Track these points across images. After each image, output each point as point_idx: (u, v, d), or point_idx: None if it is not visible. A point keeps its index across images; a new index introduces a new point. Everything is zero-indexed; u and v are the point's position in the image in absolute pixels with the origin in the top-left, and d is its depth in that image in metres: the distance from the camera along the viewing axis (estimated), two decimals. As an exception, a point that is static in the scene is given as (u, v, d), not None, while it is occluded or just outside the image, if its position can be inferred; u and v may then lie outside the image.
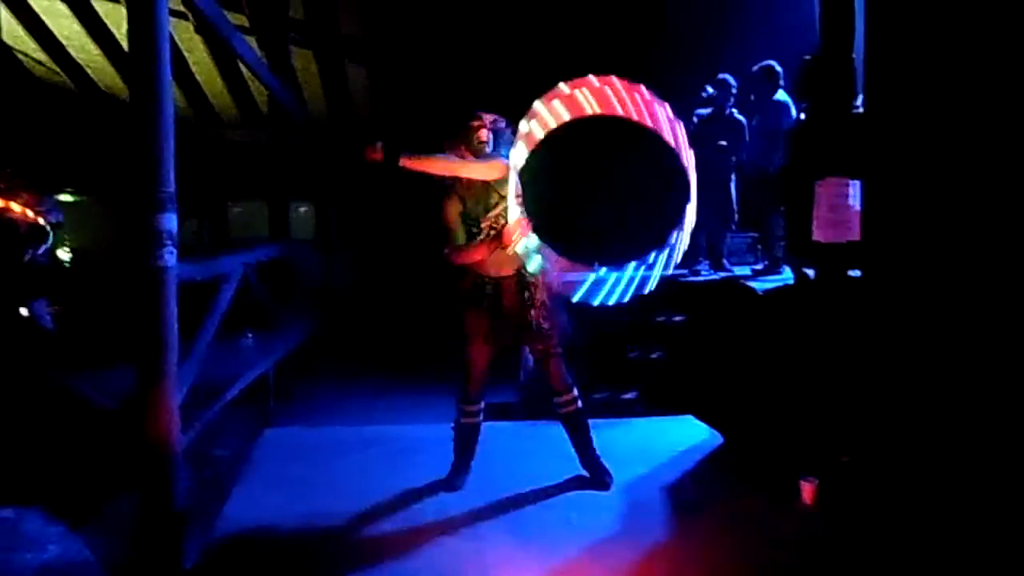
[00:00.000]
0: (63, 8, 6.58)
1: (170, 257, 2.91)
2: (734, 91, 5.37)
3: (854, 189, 3.01)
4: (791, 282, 4.37)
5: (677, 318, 5.09)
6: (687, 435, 3.95)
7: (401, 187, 8.67)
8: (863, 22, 3.46)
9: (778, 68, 5.00)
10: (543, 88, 2.79)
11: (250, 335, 5.08)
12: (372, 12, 7.02)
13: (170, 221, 2.91)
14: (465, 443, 3.33)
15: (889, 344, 3.06)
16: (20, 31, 6.94)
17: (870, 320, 3.12)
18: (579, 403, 3.27)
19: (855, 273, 3.16)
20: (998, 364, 2.64)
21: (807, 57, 4.26)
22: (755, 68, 5.08)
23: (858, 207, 3.02)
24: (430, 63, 7.64)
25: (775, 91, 4.97)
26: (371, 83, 8.24)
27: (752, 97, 5.23)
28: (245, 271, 4.55)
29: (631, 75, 2.78)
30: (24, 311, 4.82)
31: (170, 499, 2.81)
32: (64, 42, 7.32)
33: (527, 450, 3.73)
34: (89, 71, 7.90)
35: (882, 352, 3.04)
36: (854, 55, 3.37)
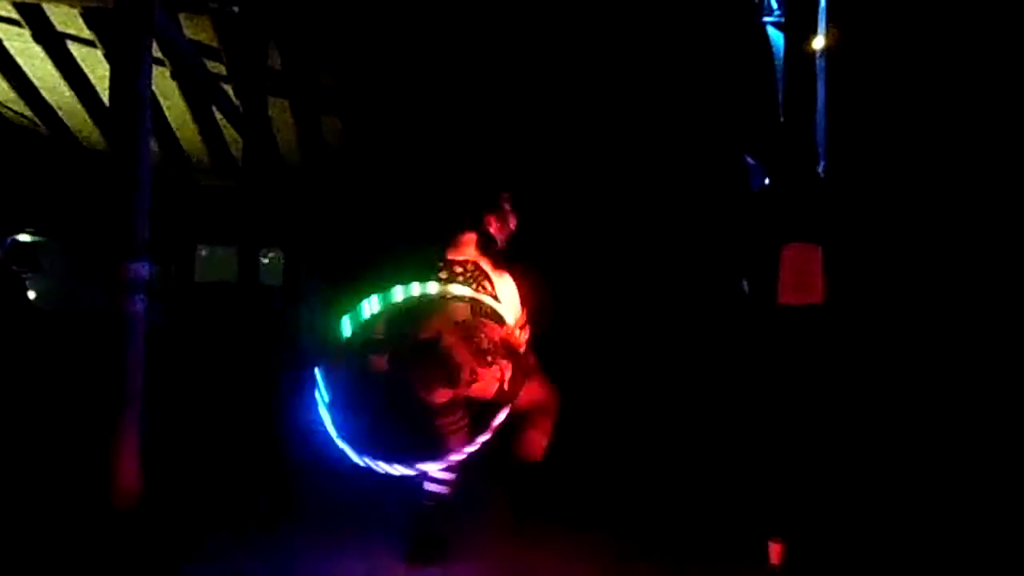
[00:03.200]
0: (38, 50, 6.57)
1: (140, 304, 2.88)
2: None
3: (818, 254, 3.12)
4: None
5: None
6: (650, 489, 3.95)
7: (373, 234, 8.74)
8: (823, 92, 3.66)
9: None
10: (515, 145, 2.90)
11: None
12: (348, 65, 7.15)
13: (142, 268, 2.89)
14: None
15: (854, 406, 3.14)
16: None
17: (833, 381, 3.21)
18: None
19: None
20: (957, 426, 2.72)
21: (769, 125, 4.45)
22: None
23: (821, 271, 3.12)
24: (405, 114, 7.75)
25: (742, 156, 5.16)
26: (345, 133, 8.32)
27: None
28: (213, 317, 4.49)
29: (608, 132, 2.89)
30: None
31: (129, 555, 2.72)
32: (37, 83, 7.29)
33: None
34: (60, 113, 7.86)
35: (846, 414, 3.12)
36: (816, 124, 3.55)
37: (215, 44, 6.27)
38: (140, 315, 2.89)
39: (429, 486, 3.03)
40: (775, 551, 2.92)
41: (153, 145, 8.01)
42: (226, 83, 6.51)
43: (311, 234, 9.25)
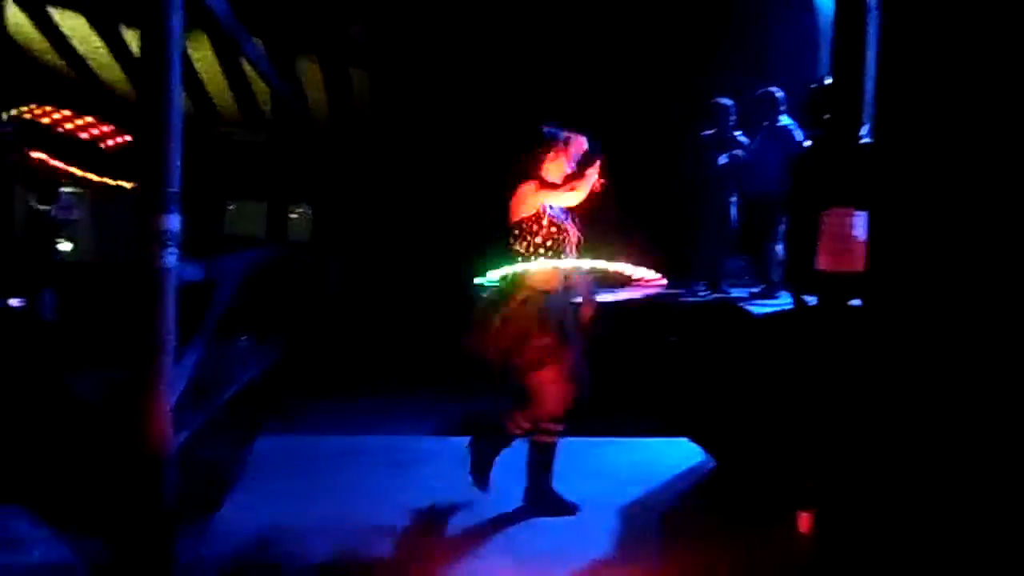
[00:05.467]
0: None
1: (171, 258, 2.89)
2: (732, 114, 5.38)
3: (860, 220, 3.01)
4: (788, 307, 4.38)
5: (673, 339, 5.08)
6: (683, 458, 3.94)
7: (400, 192, 8.70)
8: (874, 51, 3.49)
9: (779, 94, 5.03)
10: (548, 95, 2.84)
11: (245, 339, 5.04)
12: (376, 17, 7.04)
13: (173, 222, 2.89)
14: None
15: (890, 374, 3.06)
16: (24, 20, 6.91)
17: (871, 350, 3.13)
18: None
19: (856, 302, 3.17)
20: (998, 396, 2.64)
21: (814, 85, 4.29)
22: (756, 94, 5.11)
23: (863, 237, 3.03)
24: (434, 68, 7.64)
25: (777, 117, 5.00)
26: (373, 87, 8.24)
27: (753, 122, 5.27)
28: (243, 273, 4.52)
29: (636, 91, 2.83)
30: (16, 302, 4.76)
31: (160, 502, 2.77)
32: (68, 34, 7.29)
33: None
34: (91, 64, 7.87)
35: (883, 382, 3.04)
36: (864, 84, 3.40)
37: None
38: (172, 268, 2.89)
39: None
40: (804, 520, 2.89)
41: (184, 99, 8.01)
42: (256, 36, 6.44)
43: (339, 190, 9.24)
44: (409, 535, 2.95)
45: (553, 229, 3.08)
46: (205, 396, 3.60)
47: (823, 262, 3.07)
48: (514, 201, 3.11)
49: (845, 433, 2.99)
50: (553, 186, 3.10)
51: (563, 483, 3.32)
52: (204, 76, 7.94)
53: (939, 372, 2.91)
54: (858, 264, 2.97)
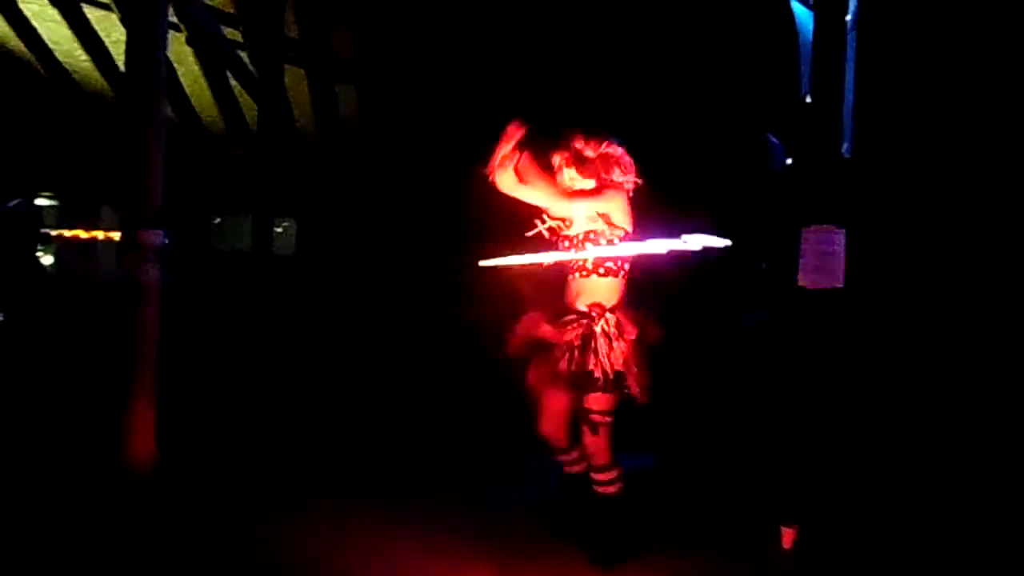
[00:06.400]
0: (53, 13, 6.53)
1: (155, 272, 2.88)
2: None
3: (840, 237, 3.06)
4: (770, 319, 4.41)
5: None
6: (666, 473, 3.95)
7: (387, 207, 8.70)
8: (852, 71, 3.56)
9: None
10: (536, 112, 2.79)
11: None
12: (365, 34, 7.06)
13: (157, 236, 2.88)
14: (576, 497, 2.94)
15: (871, 389, 3.10)
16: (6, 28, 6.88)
17: (851, 365, 3.17)
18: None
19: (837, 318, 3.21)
20: (980, 409, 2.68)
21: (794, 103, 4.35)
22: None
23: (843, 254, 3.07)
24: (422, 83, 7.67)
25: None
26: (361, 103, 8.26)
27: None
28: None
29: (617, 107, 2.82)
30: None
31: (144, 518, 2.74)
32: (52, 47, 7.26)
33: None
34: (75, 76, 7.84)
35: (864, 397, 3.08)
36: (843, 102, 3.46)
37: (231, 10, 6.21)
38: (155, 283, 2.88)
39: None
40: (788, 535, 2.91)
41: (168, 112, 7.98)
42: (242, 50, 6.45)
43: (325, 205, 9.23)
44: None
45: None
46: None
47: (805, 278, 3.10)
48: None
49: (827, 446, 3.01)
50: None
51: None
52: (189, 89, 7.92)
53: (920, 385, 2.95)
54: (839, 281, 3.01)
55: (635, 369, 2.75)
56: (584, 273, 2.80)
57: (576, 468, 3.00)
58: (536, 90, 6.62)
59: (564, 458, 3.01)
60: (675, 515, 3.43)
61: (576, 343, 2.72)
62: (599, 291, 2.79)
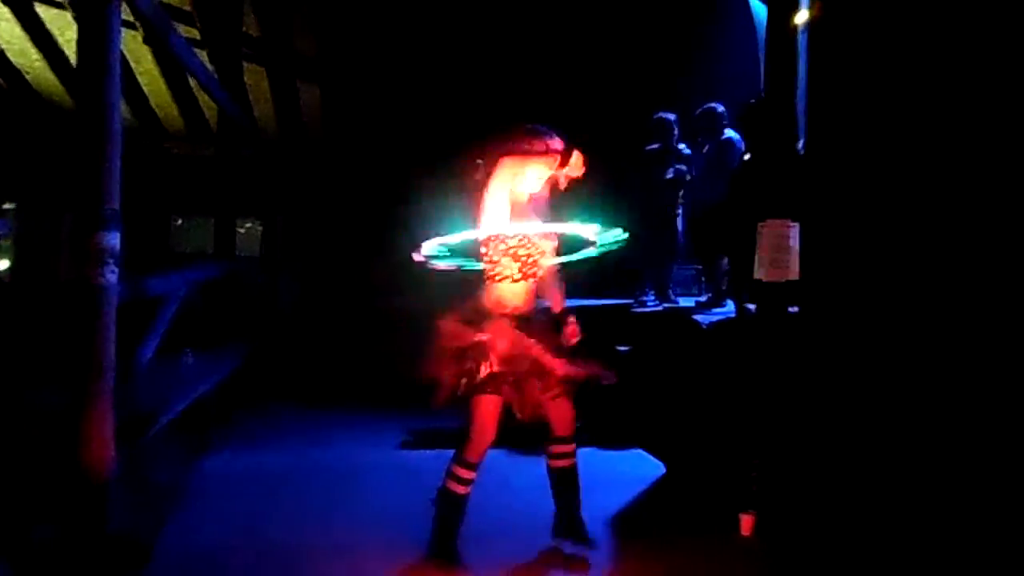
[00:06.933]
0: (5, 11, 6.36)
1: (111, 276, 2.83)
2: (676, 129, 5.52)
3: (795, 231, 3.13)
4: (733, 316, 4.50)
5: (623, 349, 5.16)
6: (633, 467, 4.01)
7: (352, 206, 8.66)
8: (804, 69, 3.64)
9: (720, 109, 5.18)
10: (497, 109, 2.78)
11: (190, 355, 4.94)
12: (327, 32, 7.01)
13: (113, 239, 2.84)
14: (454, 514, 2.85)
15: (825, 378, 3.18)
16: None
17: (807, 356, 3.25)
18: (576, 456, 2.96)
19: (793, 310, 3.29)
20: (932, 395, 2.76)
21: (752, 101, 4.44)
22: (698, 111, 5.27)
23: (798, 248, 3.15)
24: (384, 81, 7.65)
25: (720, 131, 5.15)
26: (324, 102, 8.20)
27: (699, 139, 5.41)
28: (188, 289, 4.44)
29: (583, 107, 2.84)
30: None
31: (102, 527, 2.71)
32: (4, 47, 7.08)
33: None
34: (27, 77, 7.65)
35: (819, 385, 3.16)
36: (796, 100, 3.54)
37: (188, 8, 6.12)
38: (112, 286, 2.84)
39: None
40: (746, 523, 2.98)
41: (125, 112, 7.84)
42: (200, 48, 6.35)
43: (290, 204, 9.14)
44: (357, 551, 2.93)
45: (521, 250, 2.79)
46: (150, 416, 3.52)
47: (761, 272, 3.18)
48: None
49: (784, 436, 3.09)
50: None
51: (515, 495, 3.35)
52: (147, 89, 7.78)
53: (872, 374, 3.03)
54: (794, 273, 3.09)
55: (566, 360, 2.78)
56: (513, 279, 2.79)
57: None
58: (493, 91, 6.65)
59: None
60: (646, 507, 3.48)
61: (503, 344, 2.72)
62: (522, 295, 2.81)
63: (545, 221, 2.89)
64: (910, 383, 2.86)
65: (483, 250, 2.80)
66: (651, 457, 4.14)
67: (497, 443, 2.86)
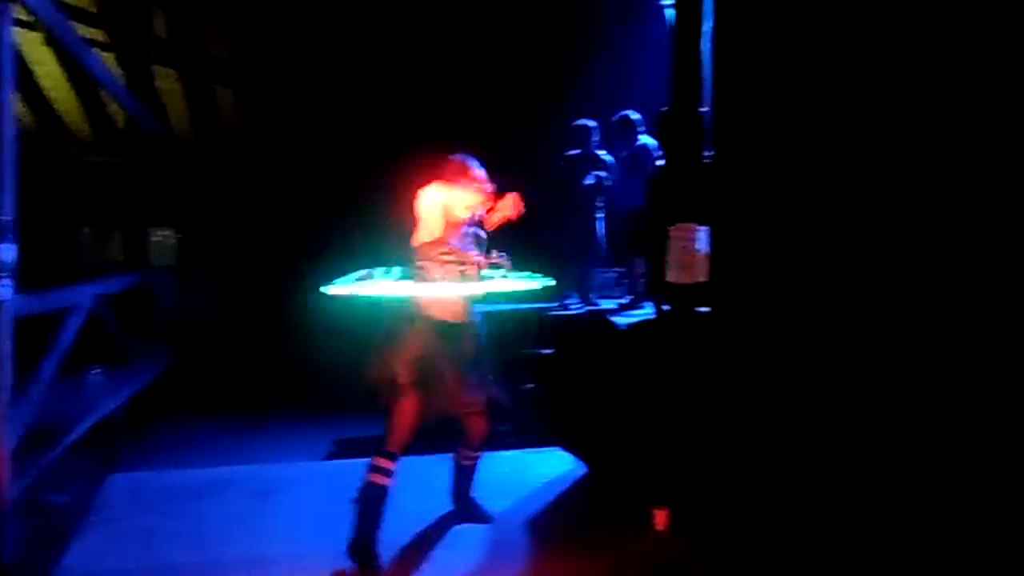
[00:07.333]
0: None
1: (5, 290, 2.71)
2: (595, 135, 5.65)
3: (702, 234, 3.25)
4: (650, 317, 4.63)
5: (546, 351, 5.23)
6: (555, 467, 4.07)
7: (270, 212, 8.46)
8: (709, 74, 3.78)
9: (634, 117, 5.34)
10: (414, 114, 2.82)
11: (99, 371, 4.73)
12: (241, 34, 6.86)
13: (7, 252, 2.71)
14: (375, 509, 2.92)
15: (734, 375, 3.31)
16: None
17: (717, 353, 3.37)
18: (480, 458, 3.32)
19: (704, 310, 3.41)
20: (830, 392, 2.91)
21: (663, 109, 4.58)
22: (613, 118, 5.41)
23: (706, 250, 3.27)
24: (301, 85, 7.52)
25: (635, 138, 5.30)
26: (240, 106, 8.00)
27: (614, 146, 5.55)
28: (94, 302, 4.26)
29: (503, 112, 2.89)
30: None
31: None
32: None
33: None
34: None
35: (728, 382, 3.28)
36: (702, 108, 3.67)
37: (93, 9, 5.88)
38: (6, 301, 2.71)
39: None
40: (660, 517, 3.07)
41: (26, 116, 7.45)
42: (107, 51, 6.12)
43: (206, 212, 8.87)
44: (272, 566, 2.88)
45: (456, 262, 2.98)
46: (51, 436, 3.37)
47: (671, 274, 3.29)
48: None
49: (696, 432, 3.20)
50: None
51: (433, 500, 3.36)
52: (50, 93, 7.42)
53: (779, 371, 3.17)
54: (702, 275, 3.21)
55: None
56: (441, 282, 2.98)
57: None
58: (412, 96, 6.64)
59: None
60: (565, 506, 3.54)
61: (417, 346, 2.91)
62: (451, 304, 3.00)
63: (480, 240, 3.15)
64: (809, 378, 3.00)
65: (415, 259, 2.98)
66: (573, 457, 4.21)
67: (418, 449, 2.91)
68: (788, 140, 3.19)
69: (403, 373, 2.88)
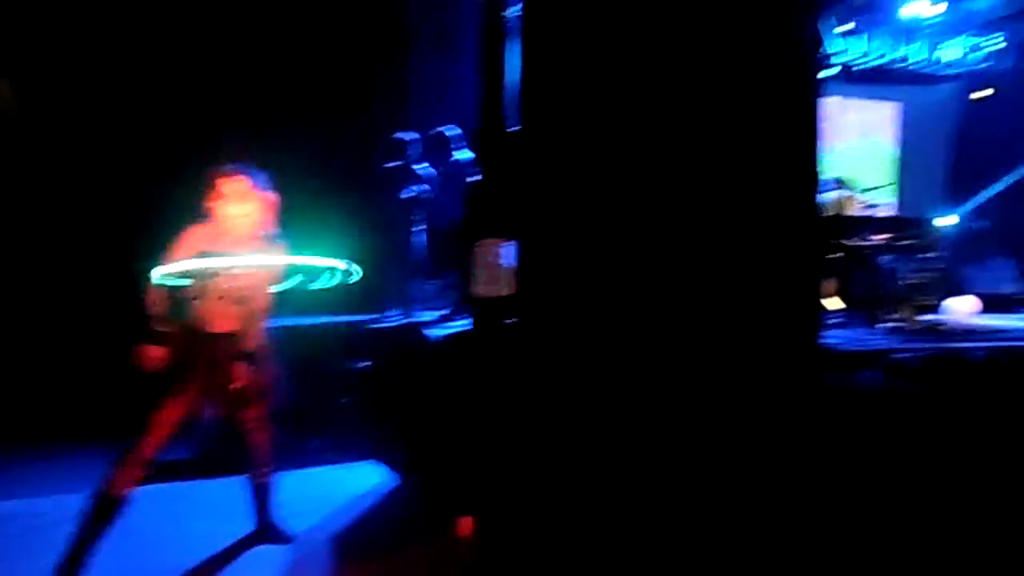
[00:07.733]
0: None
1: None
2: (415, 148, 5.69)
3: (507, 249, 3.37)
4: (462, 329, 4.71)
5: (362, 364, 5.16)
6: (366, 481, 4.02)
7: (52, 205, 7.58)
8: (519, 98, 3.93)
9: (449, 133, 5.45)
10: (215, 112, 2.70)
11: None
12: (17, 22, 6.17)
13: None
14: (105, 522, 2.80)
15: (538, 385, 3.44)
16: None
17: (522, 364, 3.49)
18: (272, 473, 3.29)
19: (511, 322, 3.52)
20: (642, 399, 3.09)
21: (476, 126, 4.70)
22: (430, 132, 5.50)
23: (511, 265, 3.39)
24: (82, 75, 6.87)
25: (450, 154, 5.40)
26: (20, 96, 7.16)
27: (431, 160, 5.62)
28: None
29: (316, 123, 2.82)
30: None
31: None
32: None
33: (193, 512, 3.48)
34: None
35: (532, 393, 3.41)
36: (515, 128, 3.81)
37: None
38: None
39: None
40: (464, 524, 3.12)
41: None
42: None
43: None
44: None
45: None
46: None
47: (479, 288, 3.38)
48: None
49: (501, 440, 3.29)
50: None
51: (229, 523, 3.21)
52: None
53: (584, 380, 3.33)
54: (506, 289, 3.32)
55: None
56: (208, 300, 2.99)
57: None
58: (212, 95, 6.29)
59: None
60: (376, 518, 3.50)
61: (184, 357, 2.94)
62: (223, 318, 3.01)
63: (268, 250, 3.09)
64: (623, 385, 3.16)
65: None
66: (387, 469, 4.18)
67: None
68: (591, 158, 3.38)
69: (167, 379, 2.89)
